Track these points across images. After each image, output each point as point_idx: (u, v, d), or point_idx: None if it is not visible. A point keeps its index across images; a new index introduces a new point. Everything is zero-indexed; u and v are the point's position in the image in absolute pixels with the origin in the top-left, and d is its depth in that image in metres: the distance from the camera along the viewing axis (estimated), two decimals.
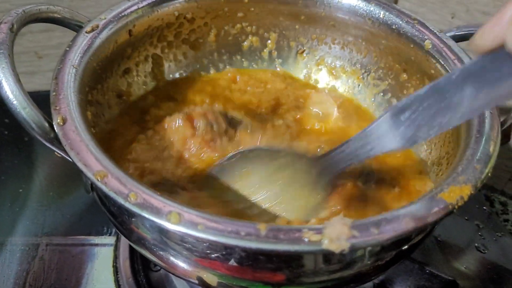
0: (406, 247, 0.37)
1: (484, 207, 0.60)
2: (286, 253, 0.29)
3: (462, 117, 0.30)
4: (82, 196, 0.57)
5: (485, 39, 0.27)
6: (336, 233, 0.29)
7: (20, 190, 0.58)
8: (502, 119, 0.39)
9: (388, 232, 0.30)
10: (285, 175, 0.42)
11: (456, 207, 0.32)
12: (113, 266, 0.51)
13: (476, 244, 0.55)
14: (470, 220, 0.58)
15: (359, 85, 0.55)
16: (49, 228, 0.55)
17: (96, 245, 0.54)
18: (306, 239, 0.29)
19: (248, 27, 0.55)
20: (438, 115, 0.31)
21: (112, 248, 0.53)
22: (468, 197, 0.32)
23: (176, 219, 0.30)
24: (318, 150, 0.46)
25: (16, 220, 0.56)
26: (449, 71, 0.44)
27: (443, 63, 0.45)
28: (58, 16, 0.43)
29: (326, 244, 0.29)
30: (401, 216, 0.30)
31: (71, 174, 0.57)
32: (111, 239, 0.53)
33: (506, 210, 0.74)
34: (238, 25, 0.55)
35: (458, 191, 0.32)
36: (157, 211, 0.30)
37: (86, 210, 0.57)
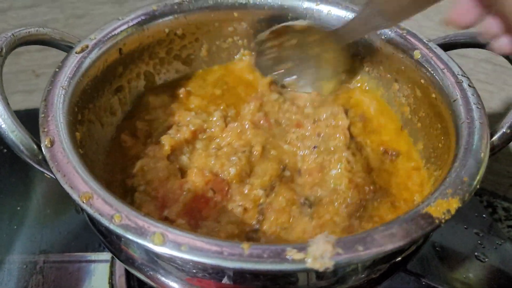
0: (399, 258, 0.37)
1: (484, 215, 0.60)
2: (269, 272, 0.29)
3: None
4: (79, 214, 0.57)
5: None
6: (320, 251, 0.29)
7: (18, 208, 0.59)
8: (491, 131, 0.39)
9: (373, 249, 0.29)
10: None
11: (443, 221, 0.31)
12: (109, 282, 0.51)
13: (475, 253, 0.54)
14: (469, 229, 0.57)
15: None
16: (46, 245, 0.55)
17: (93, 261, 0.54)
18: (289, 258, 0.29)
19: (239, 41, 0.56)
20: None
21: (108, 264, 0.53)
22: (455, 210, 0.32)
23: (159, 240, 0.30)
24: None
25: (14, 238, 0.56)
26: (439, 80, 0.43)
27: (432, 72, 0.44)
28: (48, 38, 0.43)
29: (310, 263, 0.28)
30: (387, 233, 0.30)
31: (67, 193, 0.57)
32: (107, 256, 0.54)
33: (510, 216, 0.74)
34: (229, 39, 0.55)
35: (445, 205, 0.32)
36: (141, 232, 0.30)
37: (82, 227, 0.57)
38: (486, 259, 0.54)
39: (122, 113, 0.50)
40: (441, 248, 0.55)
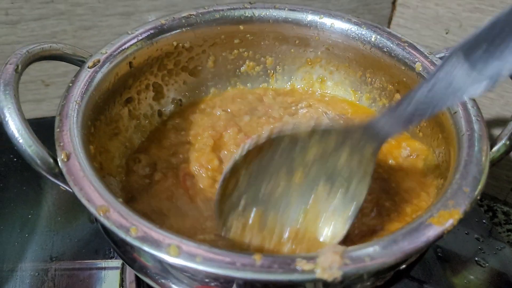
0: (403, 266, 0.38)
1: (484, 221, 0.61)
2: (280, 282, 0.30)
3: None
4: (89, 222, 0.58)
5: None
6: (328, 262, 0.30)
7: (29, 216, 0.60)
8: (490, 142, 0.40)
9: (379, 259, 0.31)
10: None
11: (445, 231, 0.33)
12: None
13: (476, 258, 0.56)
14: (470, 234, 0.59)
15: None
16: (57, 253, 0.56)
17: (103, 268, 0.55)
18: (299, 268, 0.30)
19: (245, 53, 0.57)
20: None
21: (118, 271, 0.54)
22: (457, 221, 0.33)
23: (175, 252, 0.31)
24: None
25: (25, 246, 0.57)
26: None
27: None
28: (61, 53, 0.44)
29: (319, 273, 0.30)
30: (392, 243, 0.32)
31: (78, 200, 0.58)
32: (117, 262, 0.55)
33: (509, 220, 0.75)
34: (235, 51, 0.57)
35: (447, 216, 0.33)
36: (157, 244, 0.31)
37: (93, 234, 0.58)
38: (486, 264, 0.55)
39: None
40: (443, 254, 0.56)
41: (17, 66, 0.39)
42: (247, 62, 0.58)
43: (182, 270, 0.34)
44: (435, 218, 0.33)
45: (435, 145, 0.47)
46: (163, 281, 0.38)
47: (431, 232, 0.32)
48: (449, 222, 0.33)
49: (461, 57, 0.27)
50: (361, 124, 0.34)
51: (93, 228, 0.59)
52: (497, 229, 0.72)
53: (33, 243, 0.57)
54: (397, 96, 0.52)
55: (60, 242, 0.58)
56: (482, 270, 0.55)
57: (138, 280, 0.53)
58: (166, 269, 0.36)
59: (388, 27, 0.75)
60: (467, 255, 0.56)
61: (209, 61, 0.56)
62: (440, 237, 0.33)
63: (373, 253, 0.31)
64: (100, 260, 0.55)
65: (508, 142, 0.41)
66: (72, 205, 0.61)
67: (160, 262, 0.35)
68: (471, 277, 0.54)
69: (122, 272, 0.54)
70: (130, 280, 0.53)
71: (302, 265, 0.30)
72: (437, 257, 0.56)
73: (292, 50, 0.57)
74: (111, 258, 0.55)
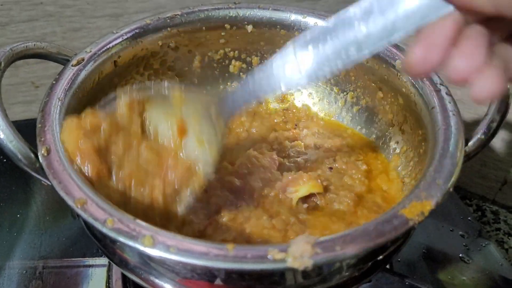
0: (380, 257, 0.39)
1: (469, 218, 0.61)
2: (252, 271, 0.31)
3: (361, 51, 0.29)
4: (76, 220, 0.59)
5: None
6: (299, 251, 0.31)
7: (18, 215, 0.60)
8: (466, 137, 0.41)
9: (350, 249, 0.31)
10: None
11: (416, 222, 0.33)
12: (106, 286, 0.53)
13: (460, 255, 0.56)
14: (455, 231, 0.59)
15: (337, 104, 0.57)
16: (45, 251, 0.57)
17: (90, 266, 0.55)
18: (270, 258, 0.31)
19: (231, 52, 0.58)
20: (341, 48, 0.29)
21: (105, 268, 0.55)
22: (428, 212, 0.34)
23: (149, 242, 0.32)
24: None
25: (14, 244, 0.58)
26: (419, 89, 0.46)
27: (413, 81, 0.46)
28: (45, 51, 0.45)
29: (290, 262, 0.30)
30: (363, 233, 0.32)
31: (64, 199, 0.59)
32: (104, 260, 0.55)
33: (498, 219, 0.75)
34: (221, 51, 0.57)
35: (419, 207, 0.34)
36: (131, 235, 0.32)
37: (80, 233, 0.58)
38: (470, 261, 0.56)
39: None
40: (427, 250, 0.57)
41: (0, 64, 0.40)
42: (233, 62, 0.58)
43: (159, 261, 0.35)
44: (407, 209, 0.34)
45: (416, 142, 0.47)
46: (145, 275, 0.39)
47: (402, 223, 0.33)
48: (420, 213, 0.33)
49: (292, 51, 0.31)
50: (216, 100, 0.40)
51: (80, 227, 0.59)
52: (486, 228, 0.73)
53: (22, 242, 0.58)
54: (380, 94, 0.53)
55: (48, 241, 0.58)
56: (466, 266, 0.55)
57: (124, 278, 0.53)
58: (146, 262, 0.36)
59: None
60: (452, 252, 0.57)
61: (195, 61, 0.57)
62: (411, 228, 0.33)
63: (344, 243, 0.31)
64: (87, 258, 0.56)
65: (483, 137, 0.41)
66: (60, 205, 0.61)
67: (139, 254, 0.36)
68: (455, 273, 0.54)
69: (109, 270, 0.55)
70: (116, 277, 0.54)
71: (273, 254, 0.30)
72: (421, 253, 0.56)
73: (277, 49, 0.57)
74: (98, 256, 0.56)
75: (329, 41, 0.30)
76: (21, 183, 0.64)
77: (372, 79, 0.53)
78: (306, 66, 0.31)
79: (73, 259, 0.56)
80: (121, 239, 0.32)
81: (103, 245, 0.39)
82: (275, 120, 0.57)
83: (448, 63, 0.25)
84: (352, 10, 0.29)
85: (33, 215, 0.61)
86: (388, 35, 0.27)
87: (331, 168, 0.50)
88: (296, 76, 0.32)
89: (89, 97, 0.47)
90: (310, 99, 0.59)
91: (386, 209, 0.44)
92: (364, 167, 0.50)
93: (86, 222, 0.40)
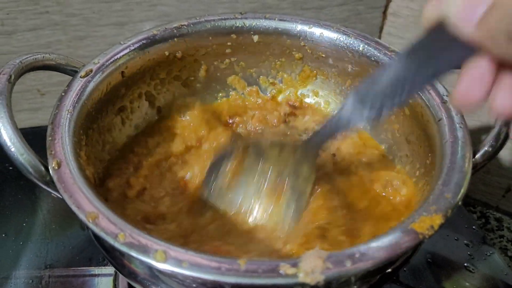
0: (389, 270, 0.39)
1: (474, 227, 0.62)
2: (264, 286, 0.31)
3: (408, 92, 0.33)
4: (82, 229, 0.59)
5: (430, 12, 0.29)
6: (311, 266, 0.31)
7: (24, 224, 0.60)
8: (474, 149, 0.41)
9: (361, 263, 0.32)
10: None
11: (426, 236, 0.33)
12: None
13: (465, 264, 0.56)
14: (460, 240, 0.59)
15: None
16: (51, 260, 0.57)
17: (97, 275, 0.55)
18: (282, 273, 0.31)
19: (237, 62, 0.58)
20: (392, 96, 0.33)
21: (111, 278, 0.55)
22: (438, 226, 0.34)
23: (162, 257, 0.32)
24: None
25: (20, 253, 0.58)
26: (425, 100, 0.46)
27: (419, 93, 0.47)
28: (54, 63, 0.45)
29: (302, 277, 0.31)
30: (374, 248, 0.32)
31: (73, 210, 0.59)
32: (110, 270, 0.55)
33: (501, 226, 0.76)
34: (227, 60, 0.58)
35: (428, 221, 0.34)
36: (144, 250, 0.32)
37: (87, 242, 0.58)
38: (475, 270, 0.56)
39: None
40: (432, 259, 0.57)
41: (10, 76, 0.40)
42: (239, 72, 0.59)
43: (170, 275, 0.35)
44: (417, 224, 0.34)
45: (422, 153, 0.48)
46: (153, 287, 0.39)
47: (412, 237, 0.33)
48: (430, 227, 0.34)
49: (356, 100, 0.36)
50: (300, 143, 0.46)
51: (87, 235, 0.59)
52: (489, 235, 0.73)
53: (28, 251, 0.58)
54: None
55: (54, 250, 0.58)
56: (471, 276, 0.55)
57: (130, 287, 0.53)
58: (155, 274, 0.37)
59: (379, 36, 0.76)
60: (457, 261, 0.57)
61: (201, 70, 0.57)
62: (421, 242, 0.33)
63: (355, 258, 0.31)
64: (93, 267, 0.56)
65: (490, 149, 0.42)
66: (67, 213, 0.61)
67: (149, 267, 0.36)
68: (460, 282, 0.54)
69: (115, 279, 0.55)
70: (122, 286, 0.54)
71: (285, 269, 0.31)
72: (426, 263, 0.56)
73: (283, 59, 0.58)
74: (104, 265, 0.56)
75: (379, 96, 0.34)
76: (27, 191, 0.64)
77: None
78: (367, 116, 0.36)
79: (79, 268, 0.56)
80: (133, 253, 0.32)
81: (112, 257, 0.40)
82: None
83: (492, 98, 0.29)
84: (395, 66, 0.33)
85: (39, 224, 0.61)
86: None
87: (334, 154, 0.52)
88: (360, 123, 0.38)
89: (96, 108, 0.47)
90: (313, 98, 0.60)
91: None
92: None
93: (95, 235, 0.40)
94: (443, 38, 0.28)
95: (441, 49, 0.29)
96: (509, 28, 0.24)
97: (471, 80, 0.28)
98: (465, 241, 0.59)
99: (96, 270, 0.56)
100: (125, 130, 0.53)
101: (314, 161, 0.45)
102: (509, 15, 0.24)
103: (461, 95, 0.29)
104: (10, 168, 0.66)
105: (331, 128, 0.41)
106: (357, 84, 0.56)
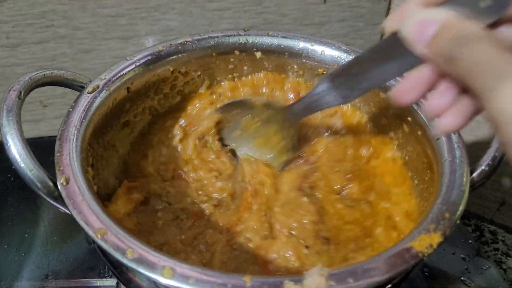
0: (389, 286, 0.40)
1: (470, 241, 0.63)
2: None
3: (377, 83, 0.40)
4: (84, 240, 0.60)
5: (390, 24, 0.33)
6: (314, 284, 0.32)
7: (26, 235, 0.61)
8: (471, 168, 0.42)
9: (363, 281, 0.32)
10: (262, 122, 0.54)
11: (426, 254, 0.34)
12: None
13: (462, 278, 0.58)
14: (456, 254, 0.60)
15: None
16: (53, 271, 0.57)
17: (98, 287, 0.56)
18: None
19: (240, 77, 0.59)
20: (362, 80, 0.39)
21: None
22: (437, 245, 0.35)
23: (169, 274, 0.33)
24: None
25: (22, 264, 0.58)
26: (424, 118, 0.47)
27: (418, 111, 0.48)
28: (62, 79, 0.46)
29: None
30: (375, 266, 0.33)
31: (74, 220, 0.60)
32: (112, 281, 0.56)
33: (496, 239, 0.77)
34: (230, 75, 0.59)
35: (428, 240, 0.35)
36: (152, 266, 0.33)
37: (88, 253, 0.59)
38: (472, 284, 0.57)
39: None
40: (429, 272, 0.58)
41: (20, 93, 0.41)
42: (241, 87, 0.60)
43: None
44: (416, 242, 0.35)
45: (421, 169, 0.49)
46: None
47: (412, 255, 0.34)
48: (429, 246, 0.35)
49: (329, 81, 0.44)
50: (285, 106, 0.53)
51: (88, 247, 0.60)
52: (484, 248, 0.74)
53: (30, 262, 0.59)
54: (384, 121, 0.54)
55: (56, 261, 0.59)
56: None
57: None
58: None
59: None
60: (454, 275, 0.58)
61: (203, 85, 0.58)
62: (421, 260, 0.34)
63: (357, 275, 0.32)
64: (95, 279, 0.57)
65: (487, 168, 0.43)
66: (68, 225, 0.62)
67: (155, 283, 0.37)
68: None
69: None
70: None
71: (289, 286, 0.32)
72: (424, 276, 0.57)
73: (282, 75, 0.59)
74: (105, 277, 0.57)
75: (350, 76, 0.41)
76: (29, 202, 0.64)
77: (377, 106, 0.54)
78: (340, 94, 0.43)
79: (81, 279, 0.57)
80: (141, 270, 0.33)
81: (119, 272, 0.40)
82: None
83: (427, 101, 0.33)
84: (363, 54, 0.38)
85: (41, 235, 0.61)
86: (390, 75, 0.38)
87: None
88: (334, 101, 0.44)
89: (102, 123, 0.48)
90: None
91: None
92: None
93: (102, 250, 0.41)
94: (400, 45, 0.32)
95: (398, 53, 0.33)
96: (451, 53, 0.28)
97: (411, 83, 0.33)
98: (462, 255, 0.60)
99: (98, 282, 0.56)
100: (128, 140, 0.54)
101: (295, 128, 0.52)
102: (451, 41, 0.28)
103: (399, 93, 0.34)
104: (12, 179, 0.67)
105: (307, 105, 0.47)
106: (356, 101, 0.57)
